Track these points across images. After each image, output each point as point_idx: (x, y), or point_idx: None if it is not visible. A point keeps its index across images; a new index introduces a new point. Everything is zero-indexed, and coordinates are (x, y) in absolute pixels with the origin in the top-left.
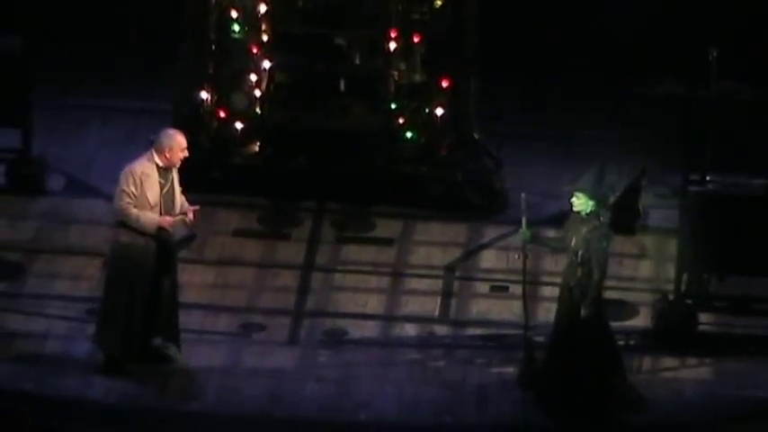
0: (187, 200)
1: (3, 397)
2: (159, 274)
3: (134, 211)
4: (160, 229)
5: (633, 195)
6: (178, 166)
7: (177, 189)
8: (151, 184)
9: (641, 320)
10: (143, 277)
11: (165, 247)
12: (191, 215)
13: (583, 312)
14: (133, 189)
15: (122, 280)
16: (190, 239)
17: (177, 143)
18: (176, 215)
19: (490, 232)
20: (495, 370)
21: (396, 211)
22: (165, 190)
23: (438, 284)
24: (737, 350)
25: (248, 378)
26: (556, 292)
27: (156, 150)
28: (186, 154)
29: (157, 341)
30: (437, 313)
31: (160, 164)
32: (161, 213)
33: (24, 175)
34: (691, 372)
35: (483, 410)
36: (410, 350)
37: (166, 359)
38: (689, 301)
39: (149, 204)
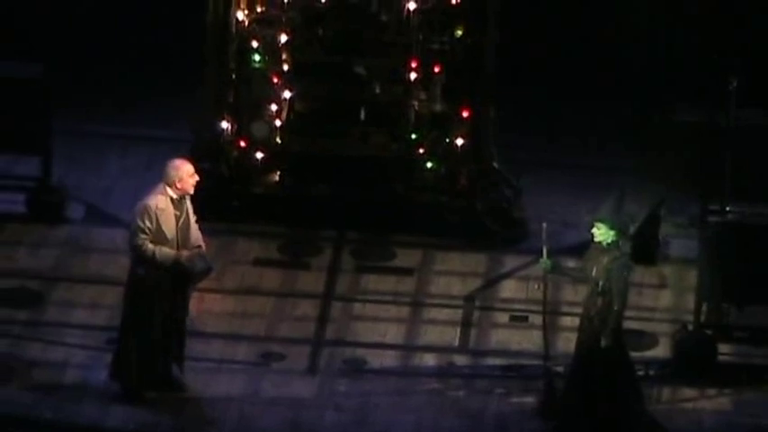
0: (200, 228)
1: (22, 425)
2: (175, 305)
3: (150, 247)
4: (177, 263)
5: (653, 225)
6: (192, 192)
7: (192, 218)
8: (167, 218)
9: (661, 350)
10: (160, 309)
11: (180, 278)
12: (203, 246)
13: (603, 342)
14: (149, 224)
15: (139, 313)
16: (206, 272)
17: (185, 171)
18: (193, 248)
19: (510, 262)
20: (514, 400)
21: (415, 240)
22: (180, 222)
23: (458, 314)
24: (757, 380)
25: (267, 407)
26: (576, 322)
27: (166, 183)
28: (197, 179)
29: (176, 371)
30: (456, 343)
31: (174, 195)
32: (178, 245)
33: (44, 203)
34: (710, 402)
35: None
36: (429, 380)
37: (183, 388)
38: (708, 332)
39: (167, 238)
